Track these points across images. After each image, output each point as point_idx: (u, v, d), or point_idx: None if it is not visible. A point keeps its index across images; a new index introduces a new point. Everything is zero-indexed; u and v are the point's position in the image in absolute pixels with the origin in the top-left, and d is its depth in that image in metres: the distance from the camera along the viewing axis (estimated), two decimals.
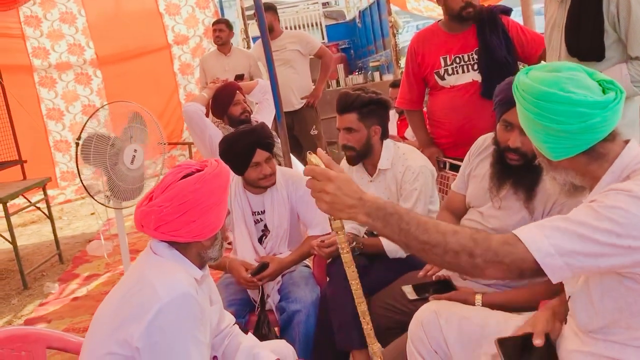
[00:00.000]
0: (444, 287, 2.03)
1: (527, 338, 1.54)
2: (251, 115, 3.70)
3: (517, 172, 1.87)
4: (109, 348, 1.56)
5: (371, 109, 2.42)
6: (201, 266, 1.72)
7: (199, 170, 1.66)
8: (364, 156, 2.51)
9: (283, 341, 2.05)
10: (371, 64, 7.41)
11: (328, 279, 2.50)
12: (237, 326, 1.99)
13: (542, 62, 2.91)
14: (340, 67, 7.28)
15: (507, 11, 2.94)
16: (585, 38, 2.12)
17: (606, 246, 1.19)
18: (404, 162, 2.48)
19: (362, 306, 1.47)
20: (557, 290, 1.82)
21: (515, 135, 1.82)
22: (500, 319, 1.75)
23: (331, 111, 6.58)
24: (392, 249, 2.44)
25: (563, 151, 1.35)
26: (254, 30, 7.06)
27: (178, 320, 1.52)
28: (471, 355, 1.73)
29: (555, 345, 1.53)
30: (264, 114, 3.93)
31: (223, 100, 3.66)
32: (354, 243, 2.43)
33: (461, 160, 2.82)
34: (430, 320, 1.79)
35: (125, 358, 1.55)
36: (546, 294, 1.85)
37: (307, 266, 2.79)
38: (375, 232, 2.38)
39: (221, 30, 5.44)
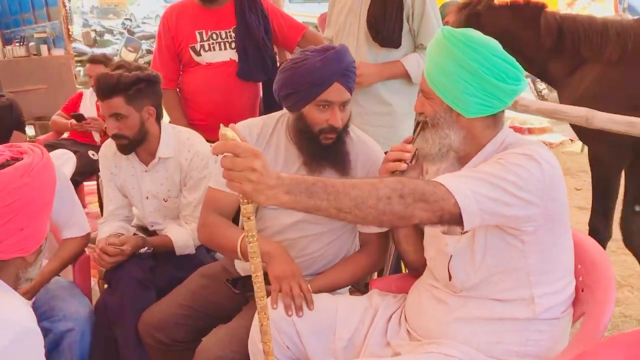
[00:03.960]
0: (265, 279, 1.93)
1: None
2: None
3: (332, 150, 1.81)
4: None
5: (139, 88, 2.11)
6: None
7: (15, 159, 1.18)
8: (138, 143, 2.18)
9: None
10: (36, 36, 6.44)
11: (106, 286, 2.10)
12: None
13: (298, 48, 2.99)
14: None
15: None
16: (389, 27, 2.27)
17: (511, 196, 1.34)
18: (189, 147, 2.24)
19: (262, 301, 1.36)
20: (376, 264, 1.95)
21: (337, 113, 1.76)
22: (347, 303, 1.76)
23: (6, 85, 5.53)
24: (182, 246, 2.22)
25: (484, 109, 1.46)
26: None
27: None
28: (325, 342, 1.68)
29: None
30: None
31: None
32: (146, 247, 2.11)
33: None
34: (282, 316, 1.67)
35: None
36: (367, 269, 1.94)
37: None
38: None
39: None
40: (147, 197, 2.27)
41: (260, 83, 2.92)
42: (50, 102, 5.74)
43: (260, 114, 3.00)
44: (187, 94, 2.83)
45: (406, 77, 2.37)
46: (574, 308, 1.55)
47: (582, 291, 1.58)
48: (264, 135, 1.92)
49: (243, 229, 1.60)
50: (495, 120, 1.51)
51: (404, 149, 1.57)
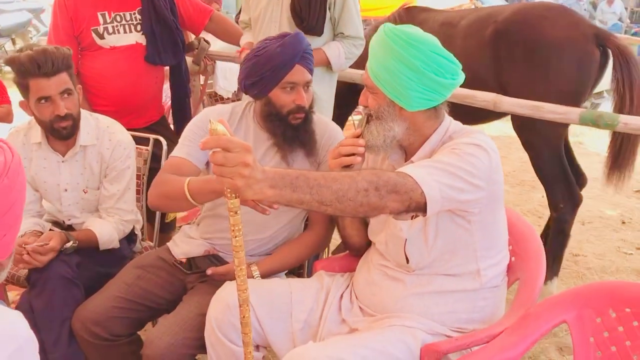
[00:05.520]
0: (214, 261, 1.95)
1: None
2: None
3: (302, 129, 1.88)
4: None
5: (72, 65, 2.02)
6: None
7: None
8: (78, 125, 2.05)
9: None
10: None
11: (31, 288, 1.94)
12: None
13: (206, 31, 2.91)
14: None
15: None
16: (314, 15, 2.29)
17: (466, 183, 1.46)
18: (110, 136, 2.12)
19: (244, 294, 1.36)
20: (321, 243, 2.02)
21: (302, 93, 1.84)
22: (299, 284, 1.82)
23: None
24: (106, 240, 2.11)
25: (424, 102, 1.54)
26: None
27: None
28: (283, 326, 1.72)
29: None
30: None
31: None
32: (70, 242, 1.98)
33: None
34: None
35: None
36: (313, 247, 2.00)
37: None
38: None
39: None
40: (66, 190, 2.12)
41: (168, 67, 2.82)
42: None
43: (174, 99, 2.92)
44: (89, 79, 2.65)
45: (327, 64, 2.43)
46: (507, 275, 1.74)
47: (513, 259, 1.77)
48: (233, 120, 1.95)
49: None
50: (436, 112, 1.61)
51: (356, 144, 1.63)
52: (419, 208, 1.41)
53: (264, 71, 1.81)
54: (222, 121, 1.21)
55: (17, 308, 1.96)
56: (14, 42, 9.51)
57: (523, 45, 2.74)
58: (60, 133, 2.00)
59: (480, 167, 1.48)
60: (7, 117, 4.02)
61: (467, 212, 1.54)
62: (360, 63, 2.06)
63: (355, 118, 4.99)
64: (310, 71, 1.86)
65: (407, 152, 1.68)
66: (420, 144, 1.62)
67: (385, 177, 1.36)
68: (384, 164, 1.77)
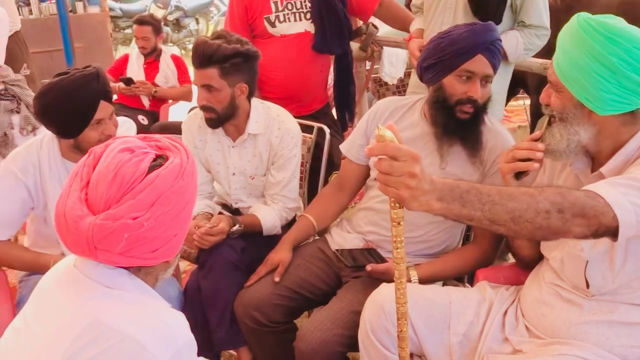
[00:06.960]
0: (374, 256, 1.91)
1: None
2: None
3: (467, 125, 1.79)
4: None
5: (235, 62, 2.01)
6: None
7: (159, 156, 1.11)
8: (227, 118, 2.10)
9: None
10: None
11: (200, 268, 2.06)
12: None
13: (374, 17, 2.86)
14: None
15: None
16: (493, 1, 2.15)
17: None
18: (280, 124, 2.16)
19: (403, 307, 1.30)
20: (485, 257, 1.87)
21: (477, 85, 1.75)
22: (460, 295, 1.71)
23: (34, 44, 5.41)
24: (270, 227, 2.16)
25: (620, 106, 1.35)
26: None
27: None
28: (440, 337, 1.64)
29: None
30: None
31: None
32: (236, 225, 2.05)
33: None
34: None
35: None
36: (475, 261, 1.88)
37: None
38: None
39: None
40: (234, 174, 2.21)
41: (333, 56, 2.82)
42: (87, 61, 5.59)
43: (338, 87, 2.91)
44: (259, 66, 2.72)
45: (503, 55, 2.25)
46: None
47: None
48: (399, 111, 1.97)
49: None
50: (633, 116, 1.39)
51: (534, 148, 1.48)
52: (608, 233, 1.24)
53: (444, 54, 1.75)
54: (392, 126, 1.14)
55: (186, 284, 2.09)
56: (197, 22, 10.23)
57: None
58: (206, 121, 2.10)
59: None
60: (188, 96, 4.37)
61: None
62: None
63: (527, 103, 4.63)
64: (494, 66, 1.75)
65: (595, 161, 1.49)
66: (611, 152, 1.43)
67: (572, 197, 1.20)
68: (563, 172, 1.60)
